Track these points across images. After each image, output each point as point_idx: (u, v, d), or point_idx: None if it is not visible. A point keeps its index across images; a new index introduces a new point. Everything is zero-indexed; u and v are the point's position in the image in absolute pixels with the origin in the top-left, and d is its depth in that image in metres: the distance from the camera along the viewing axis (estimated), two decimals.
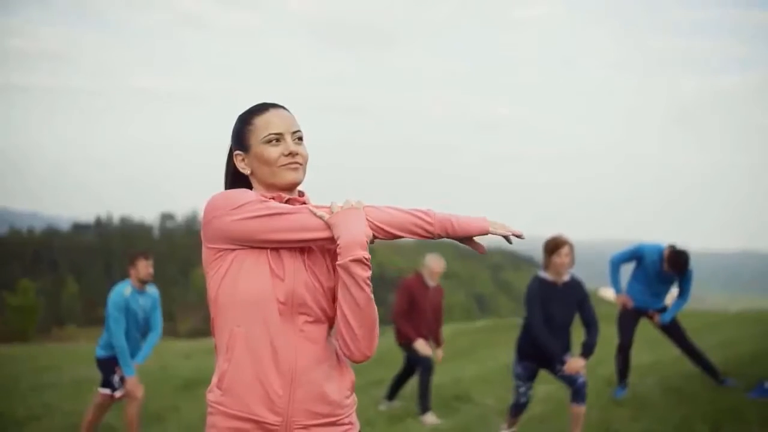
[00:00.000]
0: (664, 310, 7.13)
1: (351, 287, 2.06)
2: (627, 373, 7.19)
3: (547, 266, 5.57)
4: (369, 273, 2.07)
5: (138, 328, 6.37)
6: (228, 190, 2.17)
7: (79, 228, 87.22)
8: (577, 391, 5.45)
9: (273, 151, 2.16)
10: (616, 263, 7.14)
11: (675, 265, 6.77)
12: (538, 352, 5.52)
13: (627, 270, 7.22)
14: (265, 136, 2.16)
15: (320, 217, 2.09)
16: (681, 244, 6.95)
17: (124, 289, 6.26)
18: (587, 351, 5.51)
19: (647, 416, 6.30)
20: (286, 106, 2.24)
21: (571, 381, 5.45)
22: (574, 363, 5.40)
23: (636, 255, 7.09)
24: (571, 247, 5.54)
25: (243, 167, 2.22)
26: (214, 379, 2.15)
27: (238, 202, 2.08)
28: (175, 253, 75.32)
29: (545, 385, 6.91)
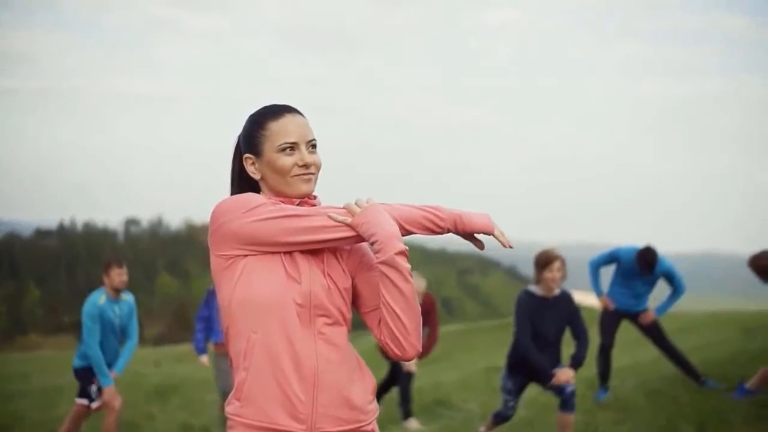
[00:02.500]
0: (646, 311, 7.15)
1: (398, 281, 2.00)
2: (608, 375, 7.20)
3: (538, 281, 5.40)
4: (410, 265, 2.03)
5: (116, 337, 6.25)
6: (236, 195, 2.10)
7: (41, 233, 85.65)
8: (566, 400, 5.38)
9: (287, 161, 2.09)
10: (595, 266, 7.18)
11: (644, 264, 6.84)
12: (527, 367, 5.43)
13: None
14: (279, 145, 2.09)
15: (343, 220, 2.03)
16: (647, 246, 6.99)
17: (98, 299, 6.13)
18: (576, 363, 5.41)
19: (631, 419, 6.30)
20: (300, 110, 2.17)
21: (559, 390, 5.38)
22: (563, 374, 5.31)
23: (613, 257, 7.15)
24: (563, 261, 5.36)
25: (253, 171, 2.15)
26: (233, 391, 2.06)
27: (250, 205, 2.02)
28: (139, 259, 74.40)
29: (529, 388, 6.87)
